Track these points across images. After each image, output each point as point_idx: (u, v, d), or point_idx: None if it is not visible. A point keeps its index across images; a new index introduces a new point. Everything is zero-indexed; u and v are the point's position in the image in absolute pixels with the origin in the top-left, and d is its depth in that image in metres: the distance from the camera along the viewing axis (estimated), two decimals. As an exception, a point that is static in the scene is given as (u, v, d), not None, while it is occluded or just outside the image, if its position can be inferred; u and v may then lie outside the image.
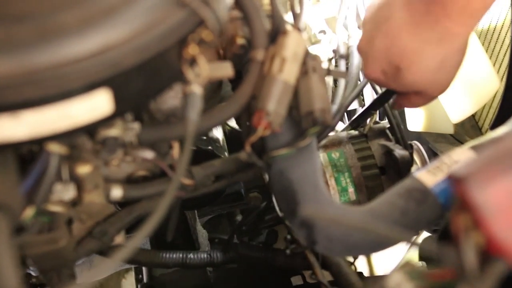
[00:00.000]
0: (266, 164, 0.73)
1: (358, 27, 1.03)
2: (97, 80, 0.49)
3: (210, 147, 1.01)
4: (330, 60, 0.80)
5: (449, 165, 0.72)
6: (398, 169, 0.94)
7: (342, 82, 0.94)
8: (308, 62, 0.71)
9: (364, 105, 1.22)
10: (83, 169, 0.67)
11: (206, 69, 0.60)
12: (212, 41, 0.57)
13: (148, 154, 0.76)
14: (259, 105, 0.68)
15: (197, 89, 0.62)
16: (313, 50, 1.04)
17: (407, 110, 1.32)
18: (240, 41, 0.78)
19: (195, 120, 0.61)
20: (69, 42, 0.48)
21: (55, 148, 0.60)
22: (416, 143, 1.08)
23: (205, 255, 1.02)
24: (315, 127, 0.70)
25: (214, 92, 0.89)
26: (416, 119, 1.29)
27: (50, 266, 0.77)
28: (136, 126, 0.67)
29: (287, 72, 0.68)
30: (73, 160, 0.67)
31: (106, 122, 0.56)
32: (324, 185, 0.73)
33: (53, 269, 0.78)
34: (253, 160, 0.73)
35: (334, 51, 0.81)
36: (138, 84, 0.54)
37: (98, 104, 0.52)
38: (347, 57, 0.97)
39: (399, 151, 0.94)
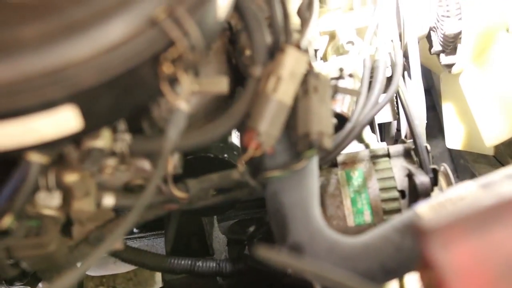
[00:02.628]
0: (260, 184, 0.70)
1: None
2: (55, 98, 0.48)
3: (226, 155, 0.99)
4: (337, 78, 0.75)
5: (454, 202, 0.66)
6: (417, 195, 0.88)
7: (362, 98, 0.89)
8: (309, 81, 0.67)
9: (398, 117, 1.16)
10: (71, 178, 0.67)
11: (188, 87, 0.57)
12: (193, 59, 0.54)
13: (143, 164, 0.74)
14: (250, 124, 0.65)
15: (182, 106, 0.60)
16: (339, 61, 0.99)
17: (447, 125, 1.24)
18: (248, 52, 0.75)
19: (173, 138, 0.58)
20: (26, 58, 0.47)
21: (35, 157, 0.60)
22: (444, 166, 1.01)
23: (214, 264, 1.00)
24: (311, 150, 0.66)
25: (224, 102, 0.86)
26: (455, 136, 1.22)
27: (44, 268, 0.78)
28: (127, 137, 0.66)
29: (283, 92, 0.64)
30: (61, 168, 0.66)
31: (75, 138, 0.55)
32: (318, 210, 0.69)
33: (48, 271, 0.79)
34: (246, 179, 0.70)
35: (340, 70, 0.77)
36: (108, 101, 0.53)
37: (63, 120, 0.51)
38: (372, 71, 0.92)
39: (419, 176, 0.88)
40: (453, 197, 0.67)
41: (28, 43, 0.47)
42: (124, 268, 1.47)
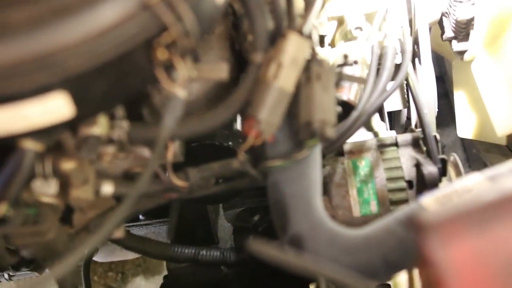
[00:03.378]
0: (261, 173, 0.69)
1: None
2: (44, 83, 0.46)
3: (230, 143, 0.97)
4: (341, 65, 0.72)
5: (461, 194, 0.64)
6: (425, 185, 0.86)
7: (369, 85, 0.86)
8: (312, 68, 0.65)
9: (408, 105, 1.13)
10: (68, 165, 0.65)
11: (184, 74, 0.55)
12: (188, 45, 0.52)
13: (142, 152, 0.73)
14: (250, 112, 0.63)
15: (179, 93, 0.58)
16: (347, 47, 0.96)
17: (458, 114, 1.21)
18: (251, 38, 0.73)
19: (169, 126, 0.57)
20: (14, 43, 0.45)
21: (30, 145, 0.58)
22: (454, 156, 0.98)
23: (218, 253, 0.99)
24: (313, 139, 0.65)
25: (227, 89, 0.84)
26: (467, 125, 1.19)
27: (43, 256, 0.77)
28: (124, 124, 0.65)
29: (284, 79, 0.62)
30: (58, 156, 0.65)
31: (68, 125, 0.53)
32: (320, 201, 0.67)
33: (49, 259, 0.78)
34: (246, 169, 0.68)
35: (345, 56, 0.74)
36: (101, 88, 0.51)
37: (54, 106, 0.50)
38: (380, 57, 0.90)
39: (427, 167, 0.86)
40: (459, 189, 0.65)
41: (16, 27, 0.46)
42: (132, 255, 1.47)
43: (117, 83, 0.52)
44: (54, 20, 0.46)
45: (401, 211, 0.65)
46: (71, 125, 0.55)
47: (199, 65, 0.61)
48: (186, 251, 0.98)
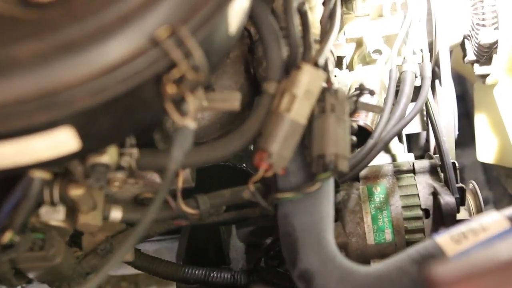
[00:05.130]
0: (271, 204, 0.67)
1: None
2: (49, 121, 0.45)
3: (244, 165, 0.96)
4: (357, 96, 0.71)
5: (477, 233, 0.62)
6: (442, 215, 0.84)
7: (386, 112, 0.84)
8: (327, 99, 0.63)
9: (428, 129, 1.11)
10: (76, 192, 0.64)
11: (194, 107, 0.54)
12: (197, 80, 0.51)
13: (152, 178, 0.72)
14: (261, 144, 0.61)
15: (189, 125, 0.57)
16: (365, 71, 0.94)
17: (478, 138, 1.18)
18: (265, 64, 0.72)
19: (178, 159, 0.56)
20: (19, 79, 0.44)
21: (37, 173, 0.58)
22: (472, 183, 0.96)
23: (229, 275, 0.98)
24: (326, 172, 0.63)
25: (241, 111, 0.82)
26: (487, 149, 1.16)
27: (50, 279, 0.76)
28: (134, 151, 0.64)
29: (297, 111, 0.61)
30: (67, 182, 0.64)
31: (75, 157, 0.53)
32: (331, 236, 0.66)
33: (55, 281, 0.78)
34: (257, 200, 0.67)
35: (360, 86, 0.72)
36: (108, 122, 0.50)
37: (60, 141, 0.49)
38: (398, 82, 0.88)
39: (445, 196, 0.84)
40: (475, 228, 0.62)
41: (21, 63, 0.45)
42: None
43: (125, 117, 0.51)
44: (60, 56, 0.45)
45: (415, 249, 0.63)
46: (78, 157, 0.54)
47: (211, 95, 0.59)
48: (197, 272, 0.97)
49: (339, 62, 0.97)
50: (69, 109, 0.45)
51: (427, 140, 1.16)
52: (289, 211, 0.66)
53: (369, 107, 0.70)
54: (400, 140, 1.14)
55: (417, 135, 1.17)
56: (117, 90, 0.46)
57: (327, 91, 0.63)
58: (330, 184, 0.68)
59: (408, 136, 1.17)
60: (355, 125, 0.81)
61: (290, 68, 0.64)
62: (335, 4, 0.70)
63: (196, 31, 0.48)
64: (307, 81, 0.61)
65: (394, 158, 1.06)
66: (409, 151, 1.19)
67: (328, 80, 0.64)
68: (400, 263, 0.62)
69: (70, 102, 0.45)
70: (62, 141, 0.49)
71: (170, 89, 0.50)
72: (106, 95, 0.46)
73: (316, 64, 0.62)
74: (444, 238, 0.62)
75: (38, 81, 0.45)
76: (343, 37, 0.95)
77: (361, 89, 0.73)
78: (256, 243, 1.17)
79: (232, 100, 0.61)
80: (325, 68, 0.65)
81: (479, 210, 0.92)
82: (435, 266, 0.41)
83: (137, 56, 0.46)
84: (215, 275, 0.98)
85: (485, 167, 1.44)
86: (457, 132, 1.09)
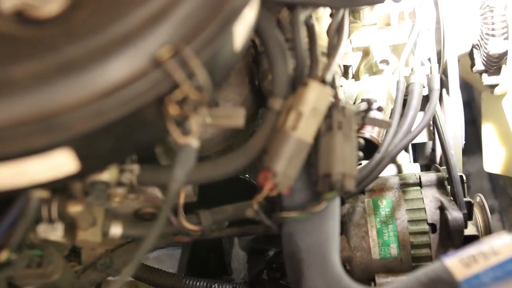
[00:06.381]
0: (276, 223, 0.65)
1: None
2: (46, 145, 0.44)
3: (247, 176, 0.95)
4: (365, 111, 0.68)
5: (488, 257, 0.60)
6: (449, 232, 0.82)
7: (394, 125, 0.82)
8: (334, 116, 0.61)
9: (434, 138, 1.09)
10: (75, 209, 0.63)
11: (197, 127, 0.52)
12: (200, 100, 0.49)
13: (153, 193, 0.70)
14: (266, 163, 0.60)
15: (192, 143, 0.55)
16: (372, 81, 0.92)
17: (485, 148, 1.16)
18: (271, 77, 0.70)
19: (180, 178, 0.54)
20: (16, 101, 0.42)
21: (35, 192, 0.56)
22: (480, 196, 0.94)
23: (230, 287, 0.96)
24: (332, 192, 0.61)
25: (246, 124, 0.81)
26: (494, 159, 1.14)
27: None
28: (135, 167, 0.62)
29: (303, 129, 0.59)
30: (65, 198, 0.63)
31: (74, 178, 0.51)
32: (337, 257, 0.64)
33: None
34: (261, 218, 0.65)
35: (369, 103, 0.70)
36: (108, 144, 0.48)
37: (57, 163, 0.47)
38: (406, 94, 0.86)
39: (452, 212, 0.82)
40: (486, 251, 0.61)
41: (19, 84, 0.43)
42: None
43: (125, 138, 0.50)
44: (59, 77, 0.43)
45: (423, 272, 0.61)
46: (77, 178, 0.52)
47: (215, 111, 0.57)
48: (198, 284, 0.95)
49: (345, 71, 0.95)
50: (68, 133, 0.43)
51: (433, 150, 1.14)
52: (294, 231, 0.64)
53: (377, 122, 0.69)
54: (406, 150, 1.12)
55: (423, 144, 1.15)
56: (118, 113, 0.44)
57: (334, 108, 0.62)
58: (336, 203, 0.66)
59: (413, 145, 1.15)
60: (361, 140, 0.79)
61: (296, 83, 0.62)
62: (343, 17, 0.68)
63: (200, 51, 0.46)
64: (314, 98, 0.59)
65: (399, 169, 1.04)
66: (414, 160, 1.17)
67: (336, 96, 0.62)
68: (408, 287, 0.60)
69: (69, 125, 0.43)
70: (61, 163, 0.47)
71: (173, 110, 0.48)
72: (106, 118, 0.44)
73: (323, 81, 0.60)
74: (454, 261, 0.60)
75: (36, 103, 0.43)
76: (350, 46, 0.93)
77: (368, 104, 0.71)
78: (258, 250, 1.16)
79: (236, 117, 0.59)
80: (332, 84, 0.63)
81: (486, 225, 0.90)
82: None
83: (139, 77, 0.45)
84: (216, 286, 0.96)
85: (491, 175, 1.42)
86: (463, 142, 1.08)
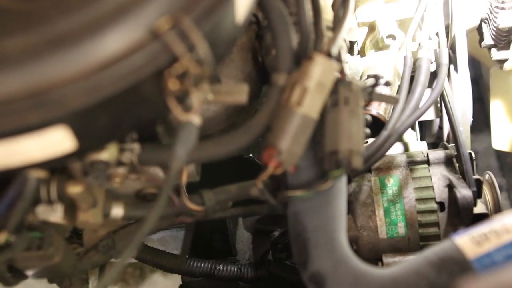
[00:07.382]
0: (281, 202, 0.64)
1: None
2: (40, 121, 0.42)
3: (251, 155, 0.93)
4: (372, 86, 0.66)
5: (500, 235, 0.58)
6: (458, 209, 0.80)
7: (401, 101, 0.80)
8: (340, 92, 0.59)
9: (441, 115, 1.06)
10: (74, 189, 0.61)
11: (198, 103, 0.50)
12: (202, 74, 0.47)
13: (155, 172, 0.69)
14: (270, 140, 0.58)
15: (193, 120, 0.53)
16: (378, 57, 0.90)
17: (494, 125, 1.14)
18: (274, 52, 0.68)
19: (182, 157, 0.52)
20: (7, 76, 0.40)
21: (33, 172, 0.54)
22: (489, 174, 0.92)
23: (235, 269, 0.95)
24: (339, 169, 0.59)
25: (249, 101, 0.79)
26: (502, 136, 1.12)
27: (49, 277, 0.74)
28: (135, 146, 0.60)
29: (308, 105, 0.57)
30: (65, 179, 0.61)
31: (72, 157, 0.49)
32: (344, 237, 0.62)
33: (55, 279, 0.75)
34: (266, 197, 0.63)
35: (376, 78, 0.68)
36: (105, 121, 0.47)
37: (53, 141, 0.45)
38: (413, 70, 0.83)
39: (461, 190, 0.80)
40: (498, 228, 0.59)
41: (10, 59, 0.41)
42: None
43: (124, 115, 0.48)
44: (52, 51, 0.41)
45: (432, 251, 0.60)
46: (75, 156, 0.50)
47: (217, 87, 0.55)
48: (202, 265, 0.94)
49: (350, 47, 0.93)
50: (63, 109, 0.42)
51: (441, 127, 1.12)
52: (300, 210, 0.62)
53: (384, 98, 0.67)
54: (413, 128, 1.10)
55: (430, 121, 1.13)
56: (115, 88, 0.42)
57: (340, 83, 0.59)
58: (343, 181, 0.64)
59: (420, 123, 1.13)
60: (368, 116, 0.77)
61: (301, 57, 0.60)
62: (348, -11, 0.65)
63: (200, 22, 0.44)
64: (320, 73, 0.57)
65: (406, 147, 1.02)
66: (421, 138, 1.15)
67: (342, 71, 0.60)
68: (417, 266, 0.58)
69: (63, 101, 0.41)
70: (57, 141, 0.45)
71: (173, 85, 0.46)
72: (102, 93, 0.42)
73: (329, 55, 0.58)
74: (464, 240, 0.59)
75: (29, 78, 0.41)
76: (355, 21, 0.91)
77: (376, 79, 0.68)
78: (263, 231, 1.14)
79: (239, 93, 0.57)
80: (338, 58, 0.61)
81: (496, 203, 0.88)
82: (463, 283, 0.37)
83: (136, 50, 0.43)
84: (221, 268, 0.95)
85: (499, 153, 1.40)
86: (471, 119, 1.05)
